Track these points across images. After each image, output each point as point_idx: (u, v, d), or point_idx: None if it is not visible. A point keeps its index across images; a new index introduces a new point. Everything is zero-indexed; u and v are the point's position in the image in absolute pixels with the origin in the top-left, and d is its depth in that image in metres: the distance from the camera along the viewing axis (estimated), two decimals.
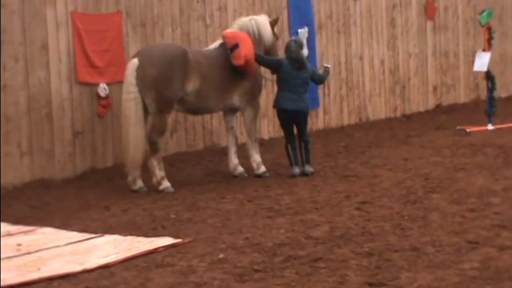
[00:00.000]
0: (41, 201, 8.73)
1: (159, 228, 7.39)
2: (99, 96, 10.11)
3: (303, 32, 12.70)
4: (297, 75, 9.74)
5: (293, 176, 9.68)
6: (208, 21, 11.62)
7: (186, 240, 6.81)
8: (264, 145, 11.78)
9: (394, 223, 6.99)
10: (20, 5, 9.34)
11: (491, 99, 13.17)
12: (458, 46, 16.23)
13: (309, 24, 12.91)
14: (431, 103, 15.62)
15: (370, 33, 14.28)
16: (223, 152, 11.33)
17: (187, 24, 11.33)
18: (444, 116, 14.92)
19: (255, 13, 12.15)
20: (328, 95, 12.88)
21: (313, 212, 7.67)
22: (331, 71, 10.54)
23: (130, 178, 9.24)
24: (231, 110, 10.03)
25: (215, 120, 11.61)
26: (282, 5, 12.70)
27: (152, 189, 9.24)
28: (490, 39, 13.21)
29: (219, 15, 11.79)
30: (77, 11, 9.92)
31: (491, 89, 13.19)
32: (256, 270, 5.82)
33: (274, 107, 10.01)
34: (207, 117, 11.46)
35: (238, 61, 9.58)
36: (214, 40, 11.60)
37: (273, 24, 10.29)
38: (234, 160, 10.02)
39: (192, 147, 11.32)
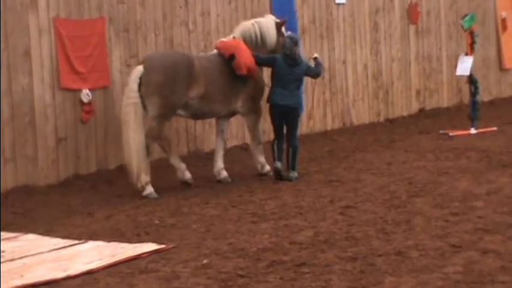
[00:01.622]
0: (24, 208, 8.69)
1: (142, 234, 7.38)
2: (82, 102, 10.09)
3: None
4: (290, 72, 9.87)
5: (276, 169, 9.75)
6: (191, 26, 11.63)
7: (170, 246, 6.80)
8: (248, 150, 11.78)
9: (378, 227, 7.02)
10: (2, 11, 9.30)
11: (474, 103, 13.24)
12: (441, 50, 16.31)
13: (293, 29, 12.89)
14: (414, 107, 15.68)
15: (353, 38, 14.33)
16: (207, 157, 11.35)
17: (170, 29, 11.34)
18: (427, 120, 14.98)
19: (238, 18, 12.21)
20: (312, 99, 12.90)
21: (297, 217, 7.69)
22: (320, 60, 10.66)
23: (139, 185, 9.24)
24: (232, 114, 10.21)
25: (199, 125, 11.61)
26: (265, 10, 12.71)
27: (139, 194, 9.22)
28: (472, 44, 13.28)
29: (202, 20, 11.80)
30: (60, 17, 9.90)
31: (474, 93, 13.25)
32: (240, 276, 5.83)
33: (267, 102, 10.10)
34: (190, 122, 11.45)
35: (241, 71, 9.77)
36: (197, 46, 11.65)
37: (279, 25, 10.43)
38: (219, 164, 10.08)
39: (175, 153, 11.27)
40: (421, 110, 15.76)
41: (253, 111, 10.11)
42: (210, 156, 11.42)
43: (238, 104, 10.01)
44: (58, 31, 9.84)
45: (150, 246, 6.77)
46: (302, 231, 7.07)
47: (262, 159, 10.18)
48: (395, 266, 5.83)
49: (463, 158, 10.59)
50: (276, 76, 9.96)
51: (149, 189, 9.24)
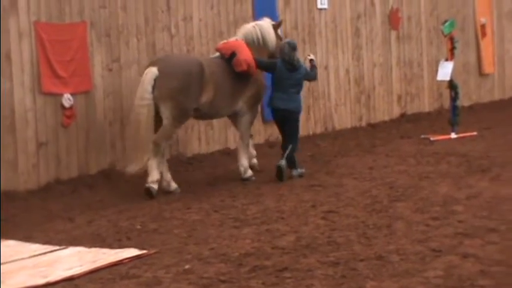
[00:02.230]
0: (4, 214, 8.61)
1: (124, 239, 7.34)
2: (63, 107, 10.03)
3: None
4: (289, 76, 10.12)
5: (277, 166, 10.00)
6: (173, 31, 11.59)
7: (152, 251, 6.76)
8: (231, 154, 11.77)
9: (360, 232, 7.02)
10: None
11: (454, 108, 13.29)
12: (421, 56, 16.38)
13: None
14: (396, 112, 15.73)
15: (335, 43, 14.36)
16: (189, 162, 11.34)
17: (153, 34, 11.30)
18: (409, 124, 15.03)
19: (220, 23, 12.20)
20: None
21: (279, 222, 7.67)
22: (316, 61, 10.92)
23: (164, 183, 9.54)
24: (234, 115, 10.41)
25: (181, 129, 11.55)
26: (248, 14, 12.72)
27: (121, 199, 9.17)
28: (452, 49, 13.34)
29: (184, 25, 11.77)
30: (41, 21, 9.84)
31: (454, 98, 13.30)
32: (222, 281, 5.80)
33: (269, 106, 10.36)
34: None
35: (240, 67, 10.01)
36: (180, 50, 11.61)
37: (276, 27, 10.74)
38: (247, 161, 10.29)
39: None
40: (403, 115, 15.81)
41: (250, 112, 10.36)
42: (192, 160, 11.41)
43: (239, 105, 10.26)
44: (39, 35, 9.78)
45: (132, 252, 6.72)
46: (284, 236, 7.06)
47: (245, 162, 10.26)
48: (377, 270, 5.83)
49: (443, 162, 10.63)
50: (277, 81, 10.20)
51: (155, 187, 9.38)
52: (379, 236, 6.82)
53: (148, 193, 9.33)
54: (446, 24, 13.38)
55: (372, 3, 15.19)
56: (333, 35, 14.33)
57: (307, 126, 13.78)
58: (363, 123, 14.90)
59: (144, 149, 9.35)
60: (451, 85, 13.33)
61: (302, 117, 13.53)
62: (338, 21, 14.47)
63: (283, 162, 10.01)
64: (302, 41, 13.66)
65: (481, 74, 17.97)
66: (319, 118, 14.07)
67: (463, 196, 8.32)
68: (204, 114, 9.93)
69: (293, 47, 10.22)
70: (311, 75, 10.54)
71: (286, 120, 10.18)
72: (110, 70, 10.67)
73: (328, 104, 14.27)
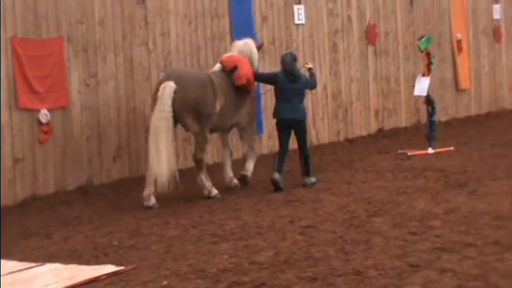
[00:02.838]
0: None
1: (101, 255, 7.30)
2: (40, 122, 9.99)
3: None
4: (291, 87, 10.49)
5: (272, 180, 10.28)
6: (151, 46, 11.61)
7: (129, 267, 6.74)
8: (208, 169, 11.78)
9: (338, 247, 7.03)
10: None
11: (431, 123, 13.36)
12: (398, 71, 16.48)
13: None
14: (373, 127, 15.81)
15: (312, 58, 14.41)
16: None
17: (130, 49, 11.30)
18: (386, 140, 15.10)
19: (198, 38, 12.24)
20: (270, 120, 12.93)
21: (257, 237, 7.68)
22: (314, 69, 11.30)
23: (146, 193, 9.65)
24: (231, 128, 10.85)
25: None
26: (225, 30, 12.77)
27: (98, 215, 9.13)
28: (429, 64, 13.41)
29: (162, 40, 11.79)
30: (17, 36, 9.81)
31: (431, 113, 13.38)
32: None
33: (273, 117, 10.73)
34: None
35: (240, 81, 10.43)
36: (157, 66, 11.63)
37: (258, 48, 11.17)
38: (229, 173, 10.73)
39: (135, 173, 11.24)
40: (380, 130, 15.88)
41: (251, 124, 10.94)
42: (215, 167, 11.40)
43: (239, 119, 10.68)
44: (15, 50, 9.75)
45: (109, 268, 6.69)
46: (262, 251, 7.06)
47: (251, 167, 10.79)
48: (355, 285, 5.84)
49: (420, 177, 10.68)
50: (279, 92, 10.55)
51: (215, 191, 9.99)
52: (357, 251, 6.84)
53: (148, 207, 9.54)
54: (423, 39, 13.47)
55: (349, 19, 15.30)
56: (311, 50, 14.41)
57: None
58: (341, 138, 14.96)
59: (166, 159, 9.51)
60: (428, 100, 13.41)
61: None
62: (315, 36, 14.56)
63: (277, 176, 10.27)
64: (280, 57, 13.68)
65: (458, 89, 18.09)
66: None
67: (441, 211, 8.36)
68: (213, 125, 10.21)
69: (294, 58, 10.61)
70: (312, 83, 10.90)
71: (294, 131, 10.59)
72: (87, 85, 10.66)
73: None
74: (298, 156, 10.78)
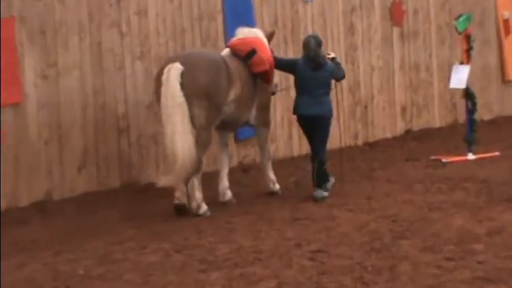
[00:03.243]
0: None
1: (62, 287, 7.33)
2: None
3: None
4: (314, 76, 10.75)
5: (315, 200, 10.54)
6: (124, 28, 11.64)
7: None
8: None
9: (355, 276, 7.06)
10: None
11: (471, 122, 13.41)
12: (431, 58, 16.50)
13: None
14: (399, 128, 15.83)
15: (324, 43, 14.42)
16: (145, 191, 11.34)
17: (99, 32, 11.33)
18: (415, 143, 15.12)
19: (182, 18, 12.27)
20: (274, 118, 12.98)
21: (256, 264, 7.71)
22: (339, 59, 11.64)
23: (178, 194, 10.05)
24: (242, 125, 11.18)
25: (134, 151, 11.60)
26: (216, 8, 12.80)
27: (60, 238, 9.16)
28: (468, 50, 13.47)
29: (138, 20, 11.82)
30: None
31: (471, 110, 13.42)
32: None
33: (293, 113, 11.08)
34: (124, 147, 11.46)
35: (262, 67, 10.73)
36: (132, 52, 11.66)
37: (269, 38, 11.50)
38: (225, 182, 10.83)
39: (105, 186, 11.26)
40: (408, 131, 15.91)
41: (266, 123, 11.18)
42: (148, 190, 11.41)
43: (252, 114, 10.93)
44: None
45: None
46: (262, 281, 7.09)
47: (272, 175, 11.15)
48: None
49: (458, 190, 10.72)
50: (300, 83, 10.85)
51: (204, 207, 10.08)
52: (380, 282, 6.87)
53: (178, 209, 10.00)
54: (461, 19, 13.52)
55: None
56: (322, 33, 14.41)
57: (289, 145, 13.85)
58: (359, 142, 14.99)
59: (184, 156, 9.71)
60: (467, 94, 13.45)
61: (283, 133, 13.71)
62: (328, 15, 14.59)
63: (322, 193, 10.65)
64: (283, 41, 13.77)
65: (505, 80, 18.09)
66: (304, 136, 14.11)
67: (483, 231, 8.40)
68: (227, 118, 10.44)
69: (319, 43, 10.85)
70: (339, 74, 11.17)
71: (315, 128, 10.80)
72: (45, 77, 10.69)
73: None
74: (311, 160, 10.96)
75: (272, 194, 11.11)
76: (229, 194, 10.81)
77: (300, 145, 14.00)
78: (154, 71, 11.69)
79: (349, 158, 13.80)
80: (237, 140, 12.84)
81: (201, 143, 10.09)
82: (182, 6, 12.40)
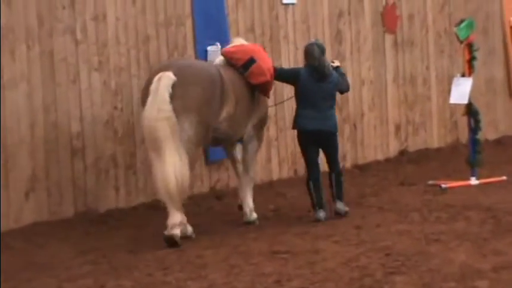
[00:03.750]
0: None
1: None
2: None
3: (215, 51, 12.80)
4: (318, 88, 11.14)
5: (317, 220, 10.98)
6: (79, 35, 11.61)
7: None
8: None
9: None
10: None
11: (474, 142, 13.44)
12: (428, 69, 16.57)
13: (223, 39, 13.02)
14: (393, 149, 15.86)
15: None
16: (103, 220, 11.30)
17: (50, 39, 11.31)
18: (411, 166, 15.16)
19: (146, 23, 12.27)
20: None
21: None
22: (343, 69, 12.08)
23: (174, 221, 10.04)
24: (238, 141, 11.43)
25: (90, 174, 11.55)
26: (184, 12, 12.81)
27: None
28: (471, 60, 13.53)
29: (95, 26, 11.80)
30: None
31: (474, 128, 13.46)
32: None
33: (293, 127, 11.46)
34: (79, 170, 11.41)
35: (262, 78, 11.05)
36: (88, 62, 11.62)
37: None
38: (250, 204, 11.28)
39: (57, 215, 11.21)
40: (403, 153, 15.94)
41: (258, 138, 11.52)
42: (108, 218, 11.38)
43: (248, 129, 11.26)
44: None
45: None
46: None
47: (251, 202, 11.26)
48: None
49: (460, 219, 10.74)
50: (302, 95, 11.19)
51: (189, 229, 10.37)
52: None
53: (170, 242, 10.00)
54: (462, 25, 13.58)
55: None
56: (304, 41, 14.43)
57: (267, 168, 13.83)
58: (347, 164, 15.00)
59: (169, 175, 9.90)
60: (470, 110, 13.50)
61: (261, 155, 13.69)
62: (312, 21, 14.62)
63: (322, 215, 11.06)
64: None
65: None
66: (286, 157, 14.13)
67: (489, 266, 8.40)
68: (220, 135, 10.70)
69: (322, 50, 11.26)
70: (343, 85, 11.56)
71: (321, 146, 11.23)
72: None
73: None
74: (328, 174, 11.35)
75: (249, 223, 11.14)
76: (254, 216, 11.23)
77: (280, 168, 14.00)
78: (114, 84, 11.75)
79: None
80: (208, 161, 12.82)
81: (190, 162, 10.18)
82: (146, 10, 12.40)
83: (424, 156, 15.89)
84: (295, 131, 11.44)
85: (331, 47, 14.88)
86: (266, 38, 13.94)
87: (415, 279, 8.14)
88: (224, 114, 10.57)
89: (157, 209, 11.74)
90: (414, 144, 16.23)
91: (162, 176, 9.96)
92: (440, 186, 12.96)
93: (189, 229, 10.49)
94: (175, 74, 10.13)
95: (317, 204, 11.13)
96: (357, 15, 15.36)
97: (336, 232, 10.40)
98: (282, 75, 11.47)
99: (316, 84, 11.11)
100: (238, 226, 10.96)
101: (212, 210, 11.94)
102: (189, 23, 12.85)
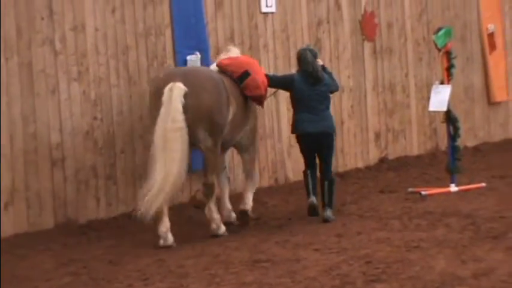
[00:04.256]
0: None
1: None
2: None
3: (194, 60, 12.79)
4: (313, 91, 11.59)
5: (311, 205, 11.51)
6: (58, 45, 11.58)
7: None
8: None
9: None
10: None
11: (453, 149, 13.46)
12: (407, 77, 16.59)
13: (202, 48, 13.01)
14: (373, 156, 15.87)
15: (287, 60, 14.47)
16: (83, 231, 11.26)
17: (28, 50, 11.27)
18: (391, 173, 15.17)
19: (126, 33, 12.24)
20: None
21: None
22: (329, 69, 12.56)
23: (162, 229, 10.51)
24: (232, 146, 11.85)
25: (70, 185, 11.50)
26: (164, 22, 12.78)
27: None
28: (449, 68, 13.56)
29: (74, 37, 11.77)
30: None
31: (453, 135, 13.48)
32: None
33: (292, 132, 11.92)
34: (59, 181, 11.37)
35: (257, 91, 11.51)
36: (67, 73, 11.58)
37: None
38: (228, 205, 11.78)
39: (37, 226, 11.16)
40: (382, 160, 15.96)
41: (254, 145, 11.98)
42: (87, 229, 11.34)
43: (243, 135, 11.72)
44: None
45: None
46: None
47: (250, 202, 11.73)
48: None
49: (440, 226, 10.74)
50: (298, 99, 11.66)
51: (223, 228, 10.97)
52: None
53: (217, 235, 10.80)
54: (440, 33, 13.60)
55: (338, 5, 15.40)
56: (284, 49, 14.47)
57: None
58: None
59: (176, 185, 10.45)
60: (449, 118, 13.52)
61: (240, 165, 13.64)
62: (291, 29, 14.63)
63: (314, 199, 11.53)
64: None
65: (491, 102, 18.25)
66: (266, 165, 14.12)
67: (469, 273, 8.41)
68: (222, 139, 11.06)
69: (315, 55, 11.78)
70: (334, 86, 11.97)
71: (319, 147, 11.63)
72: None
73: (279, 146, 14.33)
74: (320, 180, 11.67)
75: (256, 219, 11.80)
76: (233, 216, 11.69)
77: (261, 177, 13.96)
78: (93, 94, 11.71)
79: (317, 190, 13.80)
80: (188, 169, 12.77)
81: (212, 166, 10.87)
82: (125, 20, 12.37)
83: (403, 163, 15.92)
84: (288, 136, 12.31)
85: None
86: (246, 46, 13.92)
87: (395, 286, 8.14)
88: (230, 116, 11.06)
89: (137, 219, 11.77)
90: (394, 151, 16.26)
91: (164, 180, 10.28)
92: (420, 194, 12.98)
93: (170, 238, 10.60)
94: (184, 84, 10.50)
95: (311, 191, 11.60)
96: (336, 23, 15.38)
97: (317, 240, 10.39)
98: (275, 82, 11.93)
99: (312, 88, 11.55)
100: (218, 236, 10.92)
101: (192, 219, 11.91)
102: (168, 32, 12.83)
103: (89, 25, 11.94)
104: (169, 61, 12.67)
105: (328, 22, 15.26)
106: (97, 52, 11.98)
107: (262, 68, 12.08)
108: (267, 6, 14.28)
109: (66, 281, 9.29)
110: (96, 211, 11.80)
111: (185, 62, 12.72)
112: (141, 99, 12.30)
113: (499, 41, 18.29)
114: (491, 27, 18.16)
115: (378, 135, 16.00)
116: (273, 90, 12.47)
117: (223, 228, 10.96)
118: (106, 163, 11.91)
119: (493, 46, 18.17)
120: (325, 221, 11.41)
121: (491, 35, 18.15)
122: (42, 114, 11.35)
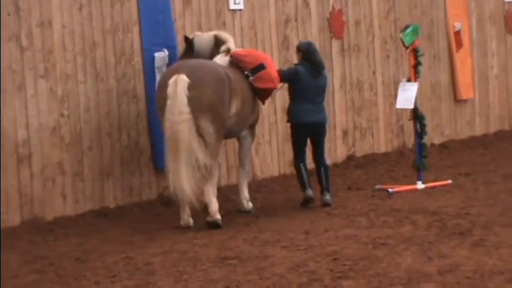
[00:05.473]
0: None
1: None
2: None
3: (162, 57, 12.78)
4: (315, 83, 12.30)
5: (308, 199, 12.16)
6: (25, 42, 11.53)
7: None
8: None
9: None
10: None
11: (420, 147, 13.52)
12: (375, 75, 16.62)
13: (170, 45, 13.00)
14: (340, 153, 15.89)
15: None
16: (49, 229, 11.21)
17: None
18: (358, 171, 15.21)
19: (93, 30, 12.20)
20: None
21: None
22: None
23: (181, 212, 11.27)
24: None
25: (37, 182, 11.46)
26: (131, 18, 12.75)
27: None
28: (416, 66, 13.61)
29: (41, 33, 11.72)
30: None
31: (420, 133, 13.53)
32: None
33: (289, 121, 12.49)
34: (25, 178, 11.32)
35: (270, 84, 12.07)
36: (34, 69, 11.54)
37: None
38: (246, 194, 12.34)
39: (3, 223, 11.11)
40: (350, 158, 15.98)
41: (252, 133, 12.50)
42: (54, 226, 11.30)
43: (247, 127, 12.25)
44: None
45: None
46: None
47: (247, 193, 12.28)
48: None
49: (406, 223, 10.78)
50: (300, 90, 12.24)
51: (218, 216, 11.27)
52: None
53: (216, 226, 11.12)
54: (407, 31, 13.65)
55: (306, 3, 15.41)
56: (252, 46, 14.44)
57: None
58: (295, 170, 14.99)
59: (188, 174, 10.87)
60: (416, 115, 13.57)
61: None
62: (259, 27, 14.62)
63: (311, 192, 12.15)
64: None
65: (457, 99, 18.31)
66: (234, 162, 14.10)
67: (435, 270, 8.45)
68: (229, 130, 11.64)
69: (315, 48, 12.61)
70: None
71: (313, 137, 12.40)
72: None
73: None
74: (316, 169, 12.41)
75: (245, 212, 12.10)
76: (250, 206, 12.27)
77: (229, 174, 13.99)
78: (60, 91, 11.67)
79: (284, 188, 13.84)
80: (155, 167, 12.76)
81: (211, 153, 11.20)
82: (92, 16, 12.33)
83: (371, 161, 15.95)
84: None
85: (278, 53, 14.91)
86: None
87: (362, 283, 8.16)
88: (233, 110, 11.50)
89: (106, 216, 11.73)
90: (361, 149, 16.29)
91: (176, 176, 10.87)
92: (387, 191, 13.03)
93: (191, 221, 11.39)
94: (188, 76, 10.99)
95: (307, 184, 12.19)
96: (304, 21, 15.39)
97: (285, 237, 10.40)
98: (285, 75, 12.38)
99: (314, 80, 12.24)
100: (186, 232, 10.92)
101: (160, 217, 11.89)
102: (136, 29, 12.80)
103: (55, 22, 11.89)
104: (137, 58, 12.65)
105: (296, 20, 15.26)
106: (64, 49, 11.94)
107: (275, 66, 12.60)
108: (235, 3, 14.27)
109: (33, 278, 9.25)
110: (63, 208, 11.76)
111: (153, 59, 12.72)
112: (108, 96, 12.28)
113: (465, 38, 18.35)
114: (457, 25, 18.21)
115: (345, 133, 16.02)
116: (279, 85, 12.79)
117: (218, 216, 11.25)
118: (73, 160, 11.87)
119: (459, 44, 18.23)
120: (326, 204, 12.10)
121: (457, 33, 18.21)
122: (8, 111, 11.30)
